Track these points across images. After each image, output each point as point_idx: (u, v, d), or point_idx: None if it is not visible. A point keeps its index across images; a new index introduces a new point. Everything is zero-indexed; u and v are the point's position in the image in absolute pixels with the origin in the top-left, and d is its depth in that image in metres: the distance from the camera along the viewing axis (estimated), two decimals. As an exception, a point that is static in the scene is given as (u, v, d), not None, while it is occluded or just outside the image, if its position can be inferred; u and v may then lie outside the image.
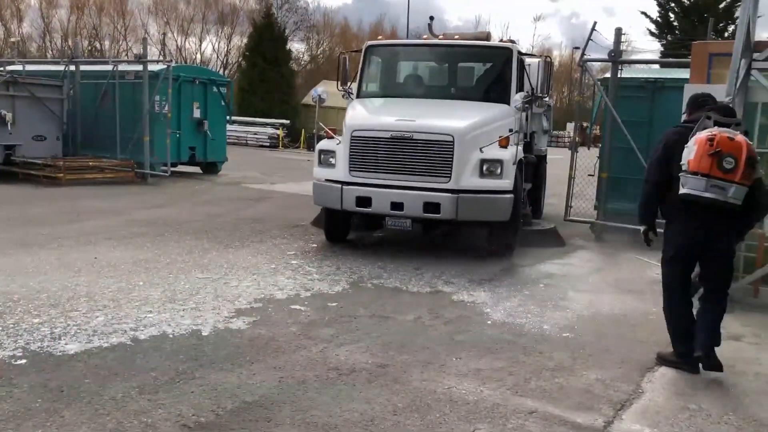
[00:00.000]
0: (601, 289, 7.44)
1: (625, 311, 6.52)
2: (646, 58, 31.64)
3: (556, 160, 14.86)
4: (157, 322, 5.41)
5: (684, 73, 8.93)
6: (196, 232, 9.46)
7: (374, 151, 8.03)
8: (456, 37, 10.00)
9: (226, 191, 14.76)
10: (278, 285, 6.77)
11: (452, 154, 7.79)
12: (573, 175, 10.86)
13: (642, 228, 5.10)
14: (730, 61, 6.60)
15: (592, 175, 10.75)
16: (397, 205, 7.86)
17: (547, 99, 10.27)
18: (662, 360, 4.99)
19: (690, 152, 4.52)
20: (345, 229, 9.14)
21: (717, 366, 4.71)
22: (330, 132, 8.76)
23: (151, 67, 15.63)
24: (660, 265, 5.08)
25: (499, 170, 7.92)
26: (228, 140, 19.82)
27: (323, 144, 8.63)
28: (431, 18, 10.80)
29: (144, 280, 6.70)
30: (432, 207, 7.78)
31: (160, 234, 9.17)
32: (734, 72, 6.50)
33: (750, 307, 6.74)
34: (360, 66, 9.60)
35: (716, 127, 4.58)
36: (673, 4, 30.97)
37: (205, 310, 5.81)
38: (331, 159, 8.33)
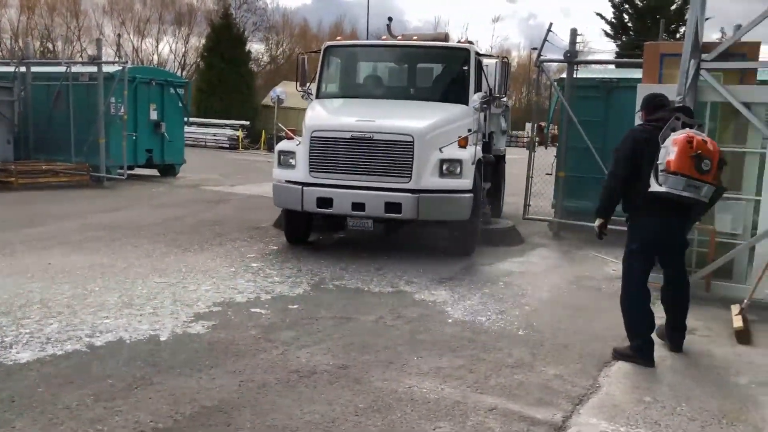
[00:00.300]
0: (560, 286, 7.56)
1: (582, 307, 6.63)
2: (601, 58, 32.23)
3: (516, 159, 15.03)
4: (113, 328, 5.31)
5: (637, 73, 9.10)
6: (154, 235, 9.32)
7: (334, 152, 8.02)
8: (414, 38, 10.08)
9: (185, 194, 14.57)
10: (238, 288, 6.71)
11: (412, 155, 7.84)
12: (531, 175, 11.02)
13: (597, 222, 5.28)
14: (681, 62, 6.77)
15: (550, 174, 10.92)
16: (358, 206, 7.89)
17: (504, 99, 10.35)
18: (618, 355, 5.10)
19: (669, 152, 4.73)
20: (306, 231, 9.12)
21: (678, 347, 5.29)
22: (290, 133, 8.70)
23: (106, 69, 15.33)
24: (621, 260, 5.31)
25: (458, 170, 8.01)
26: (186, 142, 19.57)
27: (283, 145, 8.57)
28: (390, 19, 10.87)
29: (100, 285, 6.57)
30: (393, 207, 7.83)
31: (117, 238, 9.00)
32: (684, 72, 6.67)
33: (702, 301, 6.89)
34: (319, 67, 9.59)
35: (685, 128, 4.86)
36: (627, 6, 31.64)
37: (163, 315, 5.72)
38: (291, 160, 8.30)
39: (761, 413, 4.27)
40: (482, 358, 5.02)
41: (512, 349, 5.24)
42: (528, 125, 35.26)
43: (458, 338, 5.49)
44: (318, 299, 6.48)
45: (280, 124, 9.18)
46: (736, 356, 5.34)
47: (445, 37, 10.32)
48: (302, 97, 9.52)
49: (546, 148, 11.86)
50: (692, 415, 4.18)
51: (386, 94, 9.71)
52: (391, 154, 7.90)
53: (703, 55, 6.82)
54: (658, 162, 4.80)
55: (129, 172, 15.67)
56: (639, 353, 5.01)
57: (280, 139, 9.11)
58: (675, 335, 5.36)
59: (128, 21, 54.49)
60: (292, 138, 8.54)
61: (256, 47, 53.27)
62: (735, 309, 6.22)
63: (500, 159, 11.67)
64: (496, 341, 5.45)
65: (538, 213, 11.20)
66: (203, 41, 44.85)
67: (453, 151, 8.06)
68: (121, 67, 15.40)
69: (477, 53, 9.54)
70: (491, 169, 10.34)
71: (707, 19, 7.24)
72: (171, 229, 9.87)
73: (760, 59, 7.26)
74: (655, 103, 5.30)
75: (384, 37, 10.38)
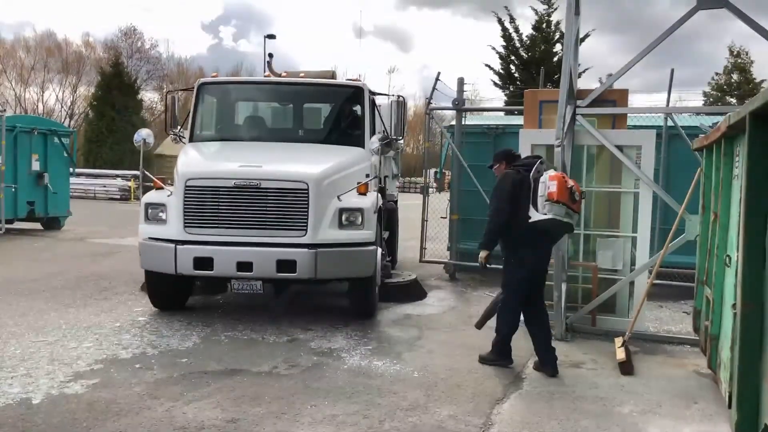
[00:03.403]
0: (455, 326, 7.65)
1: (477, 347, 6.70)
2: (491, 106, 33.69)
3: (414, 205, 15.27)
4: (-21, 394, 4.88)
5: (521, 120, 9.56)
6: (32, 292, 8.73)
7: (214, 203, 7.01)
8: (301, 74, 9.30)
9: (69, 247, 13.80)
10: (123, 344, 6.36)
11: (307, 204, 6.97)
12: (426, 218, 11.23)
13: (483, 254, 5.95)
14: (558, 107, 7.15)
15: (445, 218, 11.17)
16: (244, 266, 6.86)
17: (401, 142, 9.75)
18: (483, 360, 6.04)
19: (549, 186, 5.60)
20: (183, 295, 7.99)
21: (554, 374, 5.82)
22: (158, 182, 7.55)
23: (-18, 117, 14.49)
24: (510, 283, 5.95)
25: (360, 220, 7.24)
26: (74, 194, 18.70)
27: (150, 196, 7.43)
28: (270, 55, 10.00)
29: (-34, 347, 6.06)
30: (286, 265, 6.87)
31: (-10, 296, 8.36)
32: (561, 117, 7.05)
33: (589, 335, 7.20)
34: (192, 106, 8.62)
35: (547, 169, 5.95)
36: (513, 58, 33.31)
37: (38, 376, 5.32)
38: (160, 214, 7.22)
39: (643, 440, 4.43)
40: (377, 403, 4.97)
41: (407, 392, 5.22)
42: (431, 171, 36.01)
43: (353, 384, 5.41)
44: (208, 351, 6.24)
45: (146, 172, 7.97)
46: (620, 387, 5.56)
47: (332, 75, 9.51)
48: (173, 141, 8.67)
49: (439, 193, 12.12)
50: (580, 447, 4.28)
51: (271, 137, 8.80)
52: (283, 204, 6.99)
53: (578, 102, 7.24)
54: (540, 195, 5.65)
55: (8, 226, 14.76)
56: (502, 358, 5.99)
57: (148, 189, 7.92)
58: (549, 356, 5.90)
59: (9, 68, 52.08)
60: (162, 188, 7.46)
61: (149, 96, 52.20)
62: (618, 341, 6.50)
63: (394, 204, 11.00)
64: (391, 385, 5.42)
65: (434, 256, 11.38)
66: (93, 90, 43.50)
67: (353, 199, 7.30)
68: (-2, 116, 14.59)
69: (371, 92, 8.94)
70: (386, 216, 9.64)
71: (587, 69, 7.91)
72: (51, 285, 9.29)
73: (628, 105, 7.80)
74: (512, 154, 6.33)
75: (266, 75, 9.45)
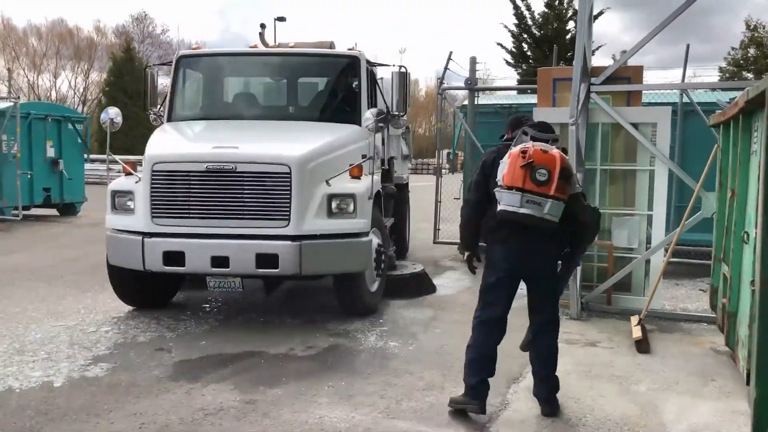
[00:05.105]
0: (470, 306, 7.56)
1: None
2: (504, 85, 33.44)
3: (426, 186, 15.25)
4: (1, 377, 4.97)
5: (535, 98, 9.50)
6: (51, 278, 8.83)
7: (185, 190, 6.23)
8: (291, 45, 8.38)
9: (86, 233, 13.92)
10: (140, 327, 6.43)
11: (290, 190, 6.16)
12: (439, 200, 11.23)
13: (465, 254, 4.78)
14: (572, 85, 7.09)
15: (458, 199, 11.14)
16: (220, 261, 6.10)
17: (404, 117, 8.48)
18: (453, 403, 4.48)
19: (504, 166, 4.20)
20: (166, 291, 7.29)
21: (554, 412, 4.43)
22: (127, 167, 6.80)
23: (-4, 105, 14.60)
24: (481, 290, 4.59)
25: (351, 207, 6.44)
26: (89, 180, 18.74)
27: (117, 183, 6.73)
28: (262, 26, 8.96)
29: (-12, 332, 6.16)
30: (267, 260, 6.09)
31: (10, 282, 8.48)
32: (575, 95, 6.98)
33: (604, 314, 7.18)
34: (170, 82, 7.83)
35: (532, 141, 4.29)
36: (525, 36, 33.00)
37: (59, 360, 5.40)
38: (128, 202, 6.49)
39: (659, 418, 4.43)
40: (393, 383, 5.00)
41: (423, 372, 5.24)
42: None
43: (370, 365, 5.45)
44: (225, 334, 6.29)
45: (113, 155, 7.13)
46: (636, 365, 5.54)
47: (330, 47, 8.32)
48: (153, 121, 7.93)
49: (452, 174, 12.09)
50: (596, 425, 4.29)
51: (258, 115, 7.90)
52: (262, 190, 6.18)
53: (593, 79, 7.16)
54: (497, 179, 4.26)
55: (25, 212, 14.87)
56: (472, 395, 4.38)
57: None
58: (542, 387, 4.53)
59: (22, 56, 52.29)
60: (131, 173, 6.73)
61: (162, 81, 52.26)
62: (634, 320, 6.48)
63: (403, 188, 10.10)
64: (407, 365, 5.44)
65: (447, 236, 11.37)
66: (105, 76, 43.64)
67: (344, 184, 6.54)
68: (12, 103, 14.67)
69: (368, 62, 7.98)
70: (393, 201, 8.92)
71: (601, 46, 7.72)
72: (69, 270, 9.39)
73: (643, 82, 7.71)
74: (519, 121, 4.79)
75: (252, 46, 8.40)
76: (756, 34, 37.76)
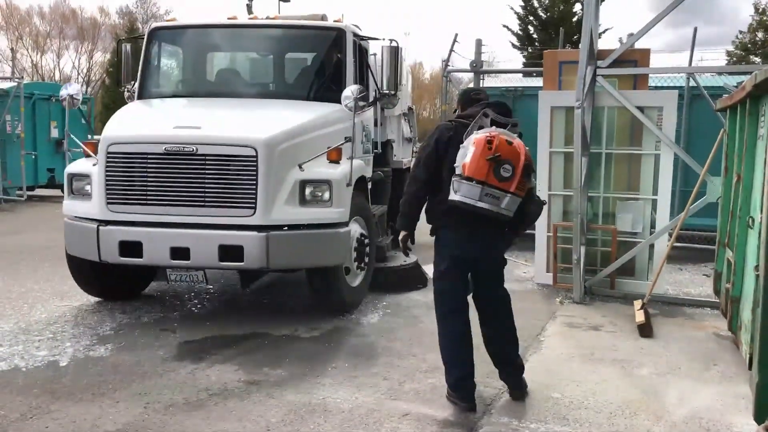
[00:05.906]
0: (473, 291, 7.64)
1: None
2: (510, 67, 33.27)
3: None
4: (7, 356, 5.01)
5: (541, 81, 9.44)
6: (56, 258, 8.82)
7: (142, 175, 5.72)
8: (273, 16, 7.65)
9: (91, 214, 13.95)
10: (145, 308, 6.46)
11: (256, 175, 5.61)
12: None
13: (401, 234, 4.51)
14: (578, 68, 7.04)
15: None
16: (180, 252, 5.60)
17: (397, 96, 7.78)
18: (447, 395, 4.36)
19: (466, 154, 3.94)
20: (135, 281, 6.78)
21: (521, 395, 4.43)
22: (87, 149, 6.28)
23: (0, 85, 14.57)
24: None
25: (327, 195, 5.89)
26: (92, 160, 18.78)
27: (75, 166, 6.28)
28: None
29: (-6, 312, 6.20)
30: (231, 252, 5.56)
31: (15, 262, 8.53)
32: (581, 78, 6.93)
33: (608, 298, 7.19)
34: (143, 57, 7.25)
35: (493, 126, 4.07)
36: (532, 18, 32.79)
37: (64, 340, 5.44)
38: (86, 186, 6.02)
39: (661, 402, 4.45)
40: (396, 365, 5.02)
41: (426, 355, 5.25)
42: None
43: (373, 347, 5.48)
44: (229, 316, 6.32)
45: (72, 136, 6.56)
46: (639, 349, 5.56)
47: (322, 19, 7.47)
48: (126, 98, 7.37)
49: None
50: (598, 408, 4.31)
51: (235, 93, 7.22)
52: (226, 176, 5.65)
53: (599, 62, 7.12)
54: (455, 165, 4.01)
55: (29, 193, 14.93)
56: (456, 391, 4.26)
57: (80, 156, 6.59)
58: (507, 370, 4.48)
59: (26, 36, 52.08)
60: (90, 155, 6.18)
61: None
62: (637, 304, 6.48)
63: (403, 174, 9.17)
64: (410, 347, 5.46)
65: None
66: (108, 56, 43.50)
67: (319, 169, 5.97)
68: (15, 83, 14.65)
69: (356, 35, 7.28)
70: (387, 187, 8.36)
71: (607, 29, 7.64)
72: (74, 251, 9.41)
73: (650, 66, 7.66)
74: (471, 97, 4.51)
75: (230, 18, 7.46)
76: (764, 18, 37.37)
